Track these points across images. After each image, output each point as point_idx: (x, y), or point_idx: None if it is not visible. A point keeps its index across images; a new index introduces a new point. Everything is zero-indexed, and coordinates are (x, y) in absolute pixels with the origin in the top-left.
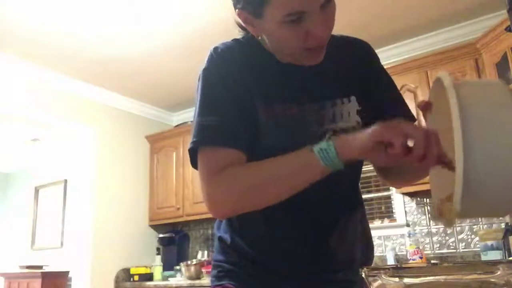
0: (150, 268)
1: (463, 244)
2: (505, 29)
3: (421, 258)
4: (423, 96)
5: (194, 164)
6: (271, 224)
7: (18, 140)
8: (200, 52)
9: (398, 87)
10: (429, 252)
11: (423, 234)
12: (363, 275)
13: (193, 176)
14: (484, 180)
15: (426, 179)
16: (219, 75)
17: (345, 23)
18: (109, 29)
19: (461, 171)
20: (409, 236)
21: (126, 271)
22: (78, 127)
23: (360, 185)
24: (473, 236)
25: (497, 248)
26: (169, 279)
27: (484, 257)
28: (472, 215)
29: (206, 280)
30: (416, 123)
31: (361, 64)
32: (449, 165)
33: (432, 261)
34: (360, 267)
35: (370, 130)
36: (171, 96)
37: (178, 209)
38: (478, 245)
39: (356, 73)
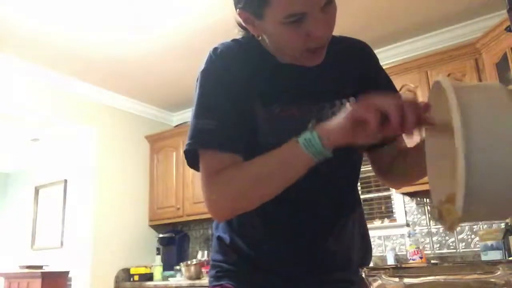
0: (150, 268)
1: (463, 244)
2: (505, 29)
3: (421, 258)
4: (423, 96)
5: (191, 165)
6: (269, 224)
7: (18, 140)
8: (200, 52)
9: (398, 87)
10: (429, 252)
11: (423, 234)
12: (363, 275)
13: (193, 176)
14: (486, 184)
15: (426, 179)
16: (217, 77)
17: (345, 24)
18: (109, 29)
19: (463, 175)
20: (409, 236)
21: (126, 271)
22: (78, 127)
23: (359, 185)
24: (473, 236)
25: (497, 248)
26: (169, 279)
27: (484, 257)
28: (475, 219)
29: (206, 280)
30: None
31: (361, 65)
32: (436, 125)
33: (432, 261)
34: (358, 267)
35: (343, 112)
36: (171, 96)
37: (178, 209)
38: (478, 245)
39: (355, 74)
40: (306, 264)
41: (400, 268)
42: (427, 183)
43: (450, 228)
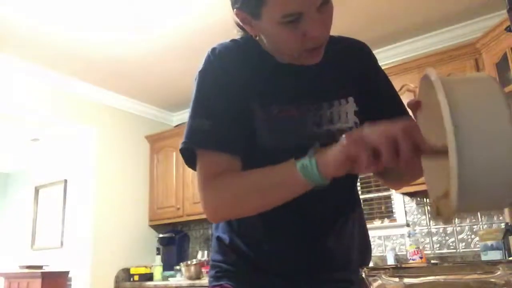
0: (150, 268)
1: (463, 244)
2: (505, 29)
3: (421, 258)
4: None
5: (188, 164)
6: (269, 224)
7: (18, 140)
8: (200, 52)
9: (398, 87)
10: (429, 252)
11: (423, 234)
12: (363, 275)
13: (193, 176)
14: (479, 175)
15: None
16: (215, 77)
17: (345, 24)
18: (109, 29)
19: (455, 168)
20: (409, 236)
21: (126, 271)
22: (78, 127)
23: (359, 185)
24: (473, 236)
25: (497, 248)
26: (169, 279)
27: (484, 257)
28: (470, 210)
29: (206, 280)
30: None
31: (359, 65)
32: (434, 151)
33: (432, 261)
34: (358, 267)
35: (338, 145)
36: (171, 96)
37: (178, 209)
38: (478, 245)
39: (354, 74)
40: (305, 264)
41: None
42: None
43: (447, 220)
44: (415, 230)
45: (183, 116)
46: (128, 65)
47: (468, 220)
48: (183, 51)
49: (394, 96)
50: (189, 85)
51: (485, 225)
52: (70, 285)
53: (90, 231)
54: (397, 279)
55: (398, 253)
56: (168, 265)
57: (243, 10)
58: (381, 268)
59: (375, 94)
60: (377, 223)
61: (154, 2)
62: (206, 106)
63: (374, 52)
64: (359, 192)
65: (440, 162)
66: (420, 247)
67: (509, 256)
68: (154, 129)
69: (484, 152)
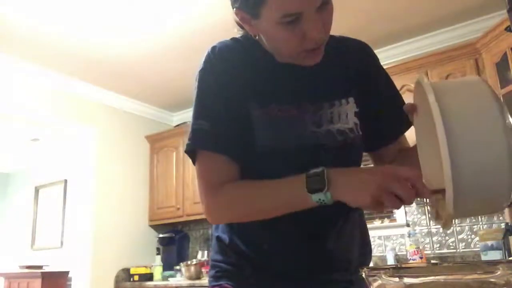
0: (150, 268)
1: (463, 244)
2: (505, 29)
3: (421, 258)
4: None
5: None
6: (269, 225)
7: (18, 140)
8: (200, 52)
9: (398, 87)
10: (429, 252)
11: (423, 234)
12: (363, 275)
13: (193, 176)
14: (474, 181)
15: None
16: (214, 76)
17: (345, 24)
18: (109, 29)
19: (449, 174)
20: (409, 236)
21: (126, 271)
22: (78, 127)
23: None
24: (473, 236)
25: (497, 248)
26: (169, 279)
27: (484, 257)
28: (467, 215)
29: (206, 280)
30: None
31: (360, 65)
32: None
33: (432, 261)
34: (358, 267)
35: (368, 190)
36: (171, 96)
37: (178, 209)
38: (478, 245)
39: (355, 74)
40: (305, 264)
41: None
42: None
43: (445, 225)
44: (415, 230)
45: (183, 116)
46: (128, 65)
47: (468, 220)
48: (183, 51)
49: (395, 97)
50: (189, 85)
51: (485, 225)
52: (70, 285)
53: (90, 231)
54: (397, 279)
55: (398, 253)
56: (168, 265)
57: (242, 9)
58: (381, 268)
59: (376, 94)
60: (377, 223)
61: (154, 2)
62: (206, 107)
63: (375, 51)
64: None
65: (436, 159)
66: (420, 247)
67: (509, 256)
68: (154, 129)
69: (477, 157)
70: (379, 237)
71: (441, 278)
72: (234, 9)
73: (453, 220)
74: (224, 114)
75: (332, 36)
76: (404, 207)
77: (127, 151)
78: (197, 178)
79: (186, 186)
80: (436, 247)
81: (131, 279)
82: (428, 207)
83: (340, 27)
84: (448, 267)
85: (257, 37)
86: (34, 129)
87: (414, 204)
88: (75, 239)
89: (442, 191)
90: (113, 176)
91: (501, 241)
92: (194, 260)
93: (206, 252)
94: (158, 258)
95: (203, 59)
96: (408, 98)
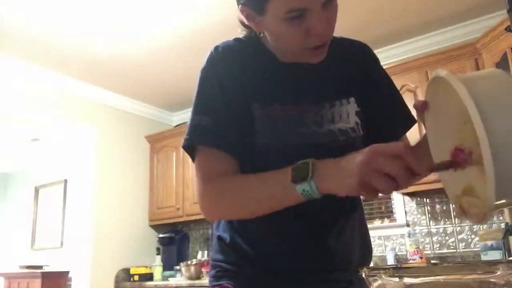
0: (150, 268)
1: (463, 244)
2: (505, 29)
3: (421, 258)
4: (423, 96)
5: (194, 160)
6: (270, 224)
7: (18, 140)
8: (200, 52)
9: (398, 87)
10: (429, 252)
11: (423, 234)
12: (363, 275)
13: (193, 176)
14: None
15: (426, 179)
16: (216, 75)
17: (345, 23)
18: (109, 29)
19: (491, 171)
20: (409, 236)
21: (126, 271)
22: (78, 127)
23: None
24: (473, 236)
25: (497, 248)
26: (169, 279)
27: (484, 257)
28: (503, 206)
29: (206, 280)
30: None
31: (361, 66)
32: (430, 170)
33: (432, 261)
34: (358, 267)
35: (353, 174)
36: (171, 96)
37: (178, 209)
38: (478, 245)
39: (356, 74)
40: (306, 264)
41: (400, 268)
42: (427, 183)
43: (482, 219)
44: (415, 230)
45: (183, 116)
46: (128, 65)
47: (468, 220)
48: (183, 51)
49: (396, 97)
50: (189, 85)
51: (485, 225)
52: (70, 285)
53: (90, 231)
54: (397, 279)
55: (398, 253)
56: (168, 265)
57: (247, 6)
58: (381, 268)
59: (377, 95)
60: (377, 223)
61: (154, 2)
62: (207, 104)
63: (375, 52)
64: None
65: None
66: (420, 247)
67: (509, 256)
68: (154, 129)
69: None
70: (379, 237)
71: (441, 278)
72: (239, 6)
73: (489, 214)
74: (224, 111)
75: (333, 37)
76: (404, 206)
77: (127, 151)
78: (195, 171)
79: (186, 186)
80: (436, 247)
81: (131, 279)
82: (428, 207)
83: (340, 27)
84: (448, 267)
85: (261, 35)
86: (34, 129)
87: (414, 204)
88: (75, 239)
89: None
90: (113, 176)
91: (501, 241)
92: (194, 260)
93: (206, 252)
94: (158, 258)
95: (205, 59)
96: (408, 98)
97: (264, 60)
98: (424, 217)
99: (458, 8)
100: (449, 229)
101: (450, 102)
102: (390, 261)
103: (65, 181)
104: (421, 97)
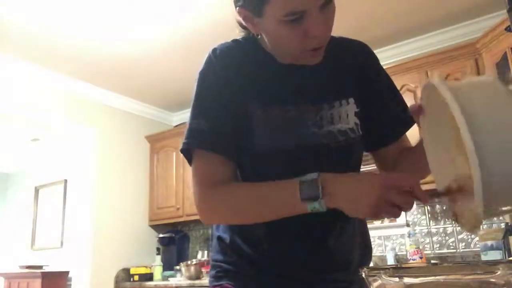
0: (150, 268)
1: (463, 244)
2: (505, 29)
3: (421, 258)
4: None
5: (191, 164)
6: (270, 224)
7: (18, 140)
8: (200, 52)
9: (398, 87)
10: (429, 252)
11: (423, 234)
12: (363, 275)
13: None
14: (503, 183)
15: (426, 179)
16: (214, 78)
17: (345, 24)
18: (109, 29)
19: (479, 180)
20: (409, 236)
21: (126, 271)
22: (78, 127)
23: None
24: (473, 236)
25: (497, 248)
26: (169, 279)
27: (484, 257)
28: (494, 215)
29: (206, 280)
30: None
31: (360, 66)
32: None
33: (432, 261)
34: (358, 267)
35: (367, 202)
36: (171, 96)
37: (178, 209)
38: (478, 245)
39: (355, 75)
40: (306, 264)
41: (400, 268)
42: (427, 183)
43: (472, 229)
44: (415, 230)
45: (183, 116)
46: (128, 65)
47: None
48: (183, 51)
49: (396, 97)
50: (189, 85)
51: (485, 225)
52: (70, 285)
53: (90, 231)
54: (397, 279)
55: (398, 253)
56: (168, 265)
57: (245, 8)
58: (381, 268)
59: (377, 95)
60: (377, 223)
61: (154, 2)
62: (205, 107)
63: (375, 52)
64: None
65: (445, 156)
66: (420, 247)
67: (509, 256)
68: (154, 129)
69: (505, 156)
70: (379, 237)
71: (441, 278)
72: (237, 8)
73: (480, 222)
74: (222, 114)
75: (332, 37)
76: None
77: (127, 151)
78: (192, 175)
79: (186, 186)
80: (436, 247)
81: (131, 279)
82: (428, 207)
83: (340, 27)
84: (448, 267)
85: (259, 37)
86: (34, 129)
87: (414, 204)
88: (75, 239)
89: (448, 194)
90: (113, 176)
91: (501, 241)
92: (194, 260)
93: (206, 252)
94: (158, 258)
95: (203, 61)
96: (408, 98)
97: (262, 61)
98: (424, 217)
99: (458, 8)
100: (449, 229)
101: (444, 109)
102: (390, 261)
103: (65, 181)
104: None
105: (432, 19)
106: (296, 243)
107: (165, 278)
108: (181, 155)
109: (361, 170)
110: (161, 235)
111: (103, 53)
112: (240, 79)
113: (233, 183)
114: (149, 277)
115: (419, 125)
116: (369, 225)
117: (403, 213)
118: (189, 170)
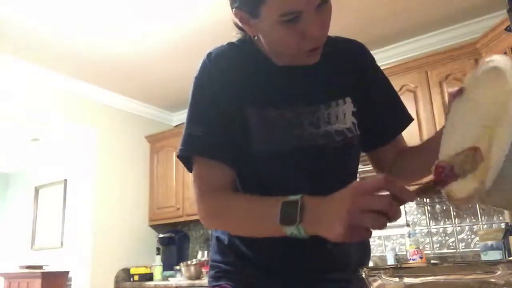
0: (150, 268)
1: (463, 244)
2: (505, 29)
3: (421, 258)
4: (423, 96)
5: (189, 170)
6: None
7: (18, 140)
8: (200, 52)
9: (398, 87)
10: (429, 252)
11: (423, 234)
12: (363, 275)
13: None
14: None
15: (426, 179)
16: (209, 84)
17: (345, 23)
18: (109, 29)
19: (504, 154)
20: (409, 236)
21: (126, 271)
22: (78, 127)
23: None
24: (473, 236)
25: (497, 248)
26: (169, 279)
27: (484, 257)
28: (493, 203)
29: (206, 280)
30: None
31: (356, 65)
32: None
33: (432, 261)
34: (356, 268)
35: (340, 219)
36: (171, 96)
37: (178, 209)
38: (478, 245)
39: (351, 74)
40: (304, 264)
41: (400, 268)
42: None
43: (465, 202)
44: (415, 230)
45: (183, 116)
46: (128, 65)
47: (468, 220)
48: (183, 51)
49: (392, 96)
50: (189, 85)
51: (485, 225)
52: (70, 285)
53: (90, 231)
54: (397, 279)
55: (398, 253)
56: (168, 265)
57: (241, 9)
58: (381, 268)
59: (373, 94)
60: None
61: (154, 2)
62: (200, 113)
63: (375, 52)
64: None
65: (466, 134)
66: (420, 247)
67: (509, 256)
68: (154, 129)
69: None
70: (379, 237)
71: (441, 278)
72: (233, 9)
73: (471, 199)
74: (218, 120)
75: (328, 37)
76: (404, 207)
77: (127, 151)
78: (192, 182)
79: (186, 186)
80: (436, 247)
81: (131, 279)
82: (428, 207)
83: (340, 27)
84: (448, 267)
85: (255, 38)
86: (34, 129)
87: (414, 204)
88: (75, 239)
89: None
90: (113, 176)
91: (501, 241)
92: (194, 260)
93: (206, 252)
94: (158, 258)
95: (199, 66)
96: (408, 98)
97: (258, 63)
98: (424, 217)
99: (458, 8)
100: (449, 229)
101: (485, 99)
102: (390, 261)
103: (65, 181)
104: (421, 97)
105: (432, 19)
106: (294, 244)
107: (165, 278)
108: None
109: (360, 170)
110: (161, 235)
111: (103, 53)
112: (236, 83)
113: (230, 194)
114: (149, 277)
115: (448, 111)
116: None
117: (403, 213)
118: None
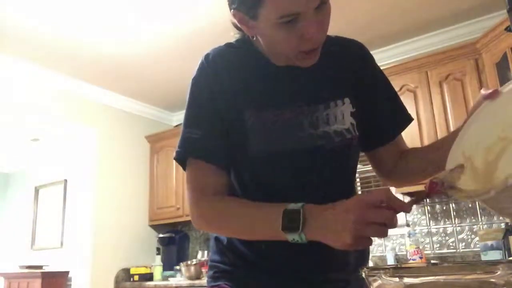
0: (150, 268)
1: (463, 244)
2: (505, 29)
3: (421, 258)
4: (423, 96)
5: (185, 170)
6: None
7: (18, 140)
8: (200, 52)
9: (398, 87)
10: (429, 252)
11: (423, 234)
12: (363, 275)
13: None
14: None
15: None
16: (206, 86)
17: (345, 24)
18: (109, 29)
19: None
20: (409, 236)
21: (126, 271)
22: (78, 127)
23: (358, 184)
24: (473, 236)
25: (497, 248)
26: (169, 279)
27: (484, 257)
28: (495, 208)
29: (206, 280)
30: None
31: (356, 65)
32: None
33: (432, 261)
34: (355, 268)
35: (347, 230)
36: (171, 96)
37: (178, 209)
38: (478, 245)
39: (350, 74)
40: (303, 264)
41: (400, 268)
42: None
43: (471, 197)
44: (415, 230)
45: (183, 116)
46: (128, 65)
47: (468, 220)
48: (183, 51)
49: (392, 96)
50: (189, 86)
51: (485, 225)
52: (70, 285)
53: (90, 231)
54: (397, 279)
55: (398, 253)
56: (168, 265)
57: (240, 10)
58: (381, 268)
59: (373, 94)
60: None
61: (154, 2)
62: (197, 115)
63: (375, 52)
64: (359, 192)
65: (490, 132)
66: (420, 247)
67: (509, 256)
68: (154, 129)
69: None
70: None
71: (441, 278)
72: (232, 10)
73: (477, 195)
74: (215, 122)
75: (327, 36)
76: None
77: (127, 151)
78: (186, 184)
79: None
80: (436, 247)
81: (131, 279)
82: (428, 207)
83: (340, 27)
84: (448, 267)
85: (254, 38)
86: (34, 129)
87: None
88: (75, 239)
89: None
90: (113, 176)
91: (501, 241)
92: (194, 260)
93: (206, 252)
94: (158, 258)
95: (196, 67)
96: (408, 98)
97: (256, 64)
98: (424, 217)
99: (458, 8)
100: (449, 229)
101: None
102: (390, 261)
103: (65, 181)
104: (421, 97)
105: (432, 19)
106: (292, 244)
107: (165, 278)
108: None
109: (360, 170)
110: (161, 235)
111: (103, 53)
112: (234, 84)
113: (225, 198)
114: (149, 277)
115: (471, 112)
116: None
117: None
118: None
